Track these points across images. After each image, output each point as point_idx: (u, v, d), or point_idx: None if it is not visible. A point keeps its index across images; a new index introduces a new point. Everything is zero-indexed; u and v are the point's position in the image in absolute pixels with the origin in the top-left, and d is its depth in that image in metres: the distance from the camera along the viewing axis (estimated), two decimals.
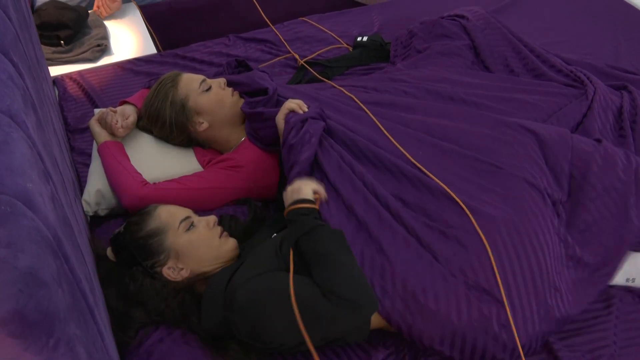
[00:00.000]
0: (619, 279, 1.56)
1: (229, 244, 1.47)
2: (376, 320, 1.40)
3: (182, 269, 1.41)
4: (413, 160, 1.58)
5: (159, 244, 1.40)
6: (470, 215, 1.43)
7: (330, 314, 1.23)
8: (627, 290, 1.55)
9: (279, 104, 1.81)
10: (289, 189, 1.41)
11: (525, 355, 1.36)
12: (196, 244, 1.42)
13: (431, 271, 1.38)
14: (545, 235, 1.45)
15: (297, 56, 2.35)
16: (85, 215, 1.73)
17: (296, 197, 1.37)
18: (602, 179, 1.56)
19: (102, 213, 1.75)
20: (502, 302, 1.35)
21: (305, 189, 1.40)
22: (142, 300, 1.37)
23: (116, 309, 1.37)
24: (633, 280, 1.55)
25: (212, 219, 1.49)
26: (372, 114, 1.73)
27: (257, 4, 2.83)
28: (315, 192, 1.41)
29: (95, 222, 1.76)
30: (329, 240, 1.30)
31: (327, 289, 1.23)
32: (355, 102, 1.81)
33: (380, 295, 1.37)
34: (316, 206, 1.38)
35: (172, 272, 1.40)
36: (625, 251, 1.53)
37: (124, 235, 1.42)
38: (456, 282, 1.36)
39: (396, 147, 1.62)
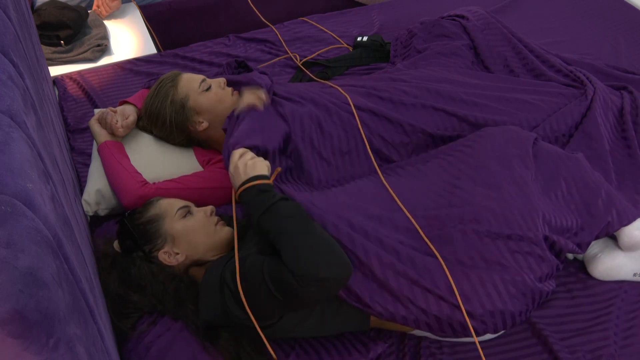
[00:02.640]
0: (626, 274, 1.56)
1: (224, 232, 1.49)
2: (375, 320, 1.41)
3: (177, 253, 1.44)
4: (384, 181, 1.64)
5: (157, 229, 1.44)
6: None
7: (300, 291, 1.23)
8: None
9: (274, 103, 1.81)
10: (240, 163, 1.40)
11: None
12: (191, 229, 1.45)
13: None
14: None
15: (295, 58, 2.34)
16: (85, 215, 1.74)
17: (251, 173, 1.36)
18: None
19: (102, 213, 1.75)
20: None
21: (260, 164, 1.39)
22: (141, 284, 1.41)
23: (116, 294, 1.40)
24: None
25: (210, 208, 1.53)
26: (361, 121, 1.78)
27: (253, 7, 2.82)
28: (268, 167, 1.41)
29: (95, 222, 1.76)
30: (287, 217, 1.29)
31: (290, 269, 1.22)
32: (349, 103, 1.83)
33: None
34: (271, 181, 1.37)
35: (168, 256, 1.43)
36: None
37: (127, 221, 1.46)
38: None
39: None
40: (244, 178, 1.37)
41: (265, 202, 1.31)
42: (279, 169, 1.42)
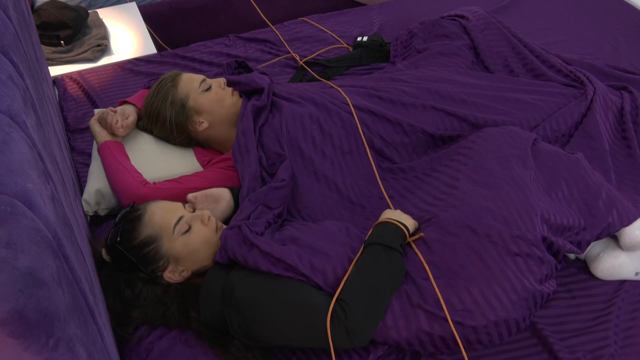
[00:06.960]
0: (629, 272, 1.56)
1: None
2: None
3: (182, 270, 1.42)
4: (382, 186, 1.66)
5: (156, 251, 1.38)
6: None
7: (322, 328, 1.27)
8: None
9: (274, 104, 1.82)
10: (396, 211, 1.51)
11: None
12: (193, 246, 1.40)
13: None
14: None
15: (296, 57, 2.35)
16: (85, 215, 1.73)
17: (398, 218, 1.45)
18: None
19: (102, 213, 1.75)
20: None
21: (411, 221, 1.47)
22: (140, 305, 1.38)
23: (115, 310, 1.38)
24: None
25: (206, 213, 1.45)
26: (361, 121, 1.78)
27: (255, 5, 2.83)
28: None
29: (95, 222, 1.76)
30: (389, 270, 1.34)
31: (346, 310, 1.27)
32: (349, 104, 1.82)
33: None
34: (408, 237, 1.43)
35: (174, 275, 1.41)
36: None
37: (121, 245, 1.38)
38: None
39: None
40: (392, 215, 1.47)
41: (394, 241, 1.38)
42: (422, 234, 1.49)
